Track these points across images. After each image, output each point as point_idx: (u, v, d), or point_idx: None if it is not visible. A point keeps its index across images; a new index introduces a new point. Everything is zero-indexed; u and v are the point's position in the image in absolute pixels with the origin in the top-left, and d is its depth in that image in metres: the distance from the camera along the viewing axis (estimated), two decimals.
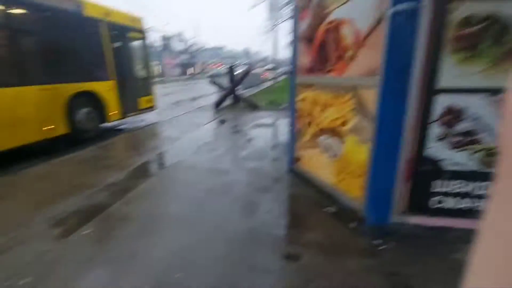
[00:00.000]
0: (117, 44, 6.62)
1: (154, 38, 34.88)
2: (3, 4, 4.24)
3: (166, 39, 43.47)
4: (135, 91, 7.26)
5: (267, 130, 6.36)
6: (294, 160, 3.57)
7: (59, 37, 5.20)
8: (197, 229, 2.44)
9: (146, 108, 7.81)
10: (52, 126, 4.97)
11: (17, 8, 4.49)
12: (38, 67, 4.85)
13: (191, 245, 2.21)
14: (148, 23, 7.68)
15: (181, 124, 7.15)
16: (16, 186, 3.45)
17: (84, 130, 5.72)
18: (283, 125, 6.41)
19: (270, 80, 22.05)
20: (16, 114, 4.37)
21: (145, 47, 7.70)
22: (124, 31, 6.85)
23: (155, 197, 3.12)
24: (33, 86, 4.62)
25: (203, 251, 2.15)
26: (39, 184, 3.52)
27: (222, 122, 7.41)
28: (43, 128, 4.81)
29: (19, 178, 3.71)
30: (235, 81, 9.89)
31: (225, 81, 10.79)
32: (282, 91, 13.03)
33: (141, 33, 7.44)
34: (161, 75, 39.97)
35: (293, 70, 3.34)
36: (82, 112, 5.66)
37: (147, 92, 7.82)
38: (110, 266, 1.99)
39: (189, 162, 4.21)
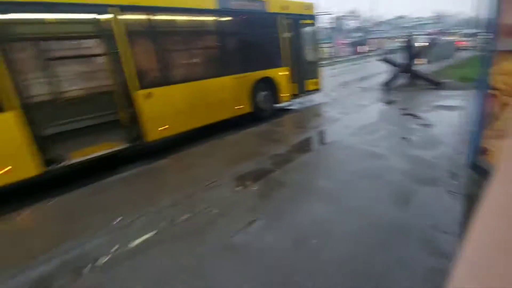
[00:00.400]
0: (291, 33, 7.36)
1: (325, 19, 35.10)
2: (216, 15, 5.79)
3: (338, 19, 42.61)
4: (303, 75, 7.90)
5: (448, 113, 5.14)
6: (478, 151, 2.77)
7: (249, 34, 6.48)
8: (340, 205, 2.53)
9: (313, 90, 8.32)
10: (241, 106, 6.43)
11: (223, 16, 5.99)
12: (234, 61, 6.33)
13: (332, 219, 2.34)
14: (319, 4, 7.97)
15: (345, 105, 7.10)
16: (218, 148, 4.85)
17: (262, 110, 6.97)
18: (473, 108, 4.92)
19: (468, 49, 16.90)
20: (220, 97, 6.01)
21: (314, 32, 8.10)
22: (297, 20, 7.48)
23: (309, 170, 3.44)
24: (230, 76, 6.13)
25: (342, 226, 2.22)
26: (230, 148, 4.76)
27: (390, 103, 6.67)
28: (236, 107, 6.33)
29: (220, 142, 5.16)
30: (412, 56, 8.41)
31: (400, 57, 9.42)
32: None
33: (311, 19, 7.87)
34: (332, 56, 40.15)
35: (493, 31, 2.50)
36: (262, 95, 6.89)
37: (314, 75, 8.27)
38: (264, 218, 2.49)
39: (346, 143, 4.22)
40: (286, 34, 7.11)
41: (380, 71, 14.43)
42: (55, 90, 4.39)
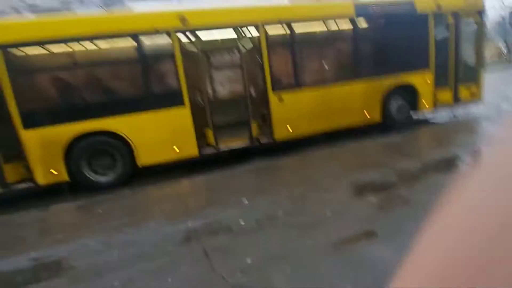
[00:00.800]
0: (441, 32, 6.31)
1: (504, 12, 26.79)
2: (353, 21, 5.72)
3: None
4: (457, 80, 6.58)
5: None
6: None
7: (389, 38, 5.97)
8: None
9: (468, 99, 6.79)
10: (370, 114, 6.07)
11: (361, 22, 5.84)
12: (367, 66, 6.03)
13: None
14: None
15: None
16: (339, 154, 4.85)
17: (395, 119, 6.29)
18: None
19: None
20: (348, 104, 5.85)
21: (479, 29, 6.58)
22: (457, 16, 6.31)
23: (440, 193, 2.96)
24: (361, 82, 5.90)
25: None
26: (352, 156, 4.67)
27: None
28: (364, 116, 6.04)
29: (342, 148, 5.13)
30: None
31: None
32: None
33: (477, 13, 6.43)
34: (509, 58, 30.60)
35: None
36: (396, 102, 6.23)
37: (473, 81, 6.73)
38: (378, 231, 2.37)
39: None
40: (437, 33, 6.17)
41: None
42: (213, 92, 5.60)
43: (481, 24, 6.57)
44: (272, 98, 5.29)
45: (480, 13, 6.47)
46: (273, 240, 2.42)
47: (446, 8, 6.20)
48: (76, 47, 4.38)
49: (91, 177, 4.57)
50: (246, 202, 3.27)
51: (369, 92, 5.97)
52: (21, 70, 4.24)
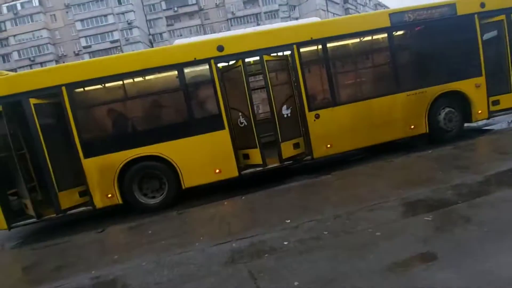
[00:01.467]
0: (490, 34, 5.87)
1: None
2: (388, 31, 5.57)
3: None
4: (505, 83, 5.95)
5: None
6: None
7: (428, 45, 5.69)
8: None
9: None
10: (413, 126, 5.66)
11: (397, 31, 5.64)
12: (408, 76, 5.75)
13: None
14: None
15: None
16: (384, 169, 4.59)
17: (444, 130, 5.82)
18: None
19: None
20: (387, 116, 5.56)
21: None
22: (505, 15, 5.75)
23: (511, 210, 2.62)
24: (402, 93, 5.60)
25: None
26: (398, 171, 4.39)
27: None
28: (407, 128, 5.67)
29: (386, 164, 4.85)
30: None
31: None
32: None
33: None
34: None
35: None
36: (443, 112, 5.78)
37: None
38: (438, 253, 2.15)
39: None
40: (485, 36, 5.75)
41: None
42: (251, 113, 5.65)
43: None
44: (309, 117, 5.29)
45: None
46: (320, 262, 2.32)
47: (491, 7, 5.73)
48: (126, 81, 4.86)
49: (141, 200, 4.90)
50: (289, 221, 3.21)
51: (411, 103, 5.65)
52: (81, 105, 4.78)
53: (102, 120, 5.07)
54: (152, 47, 45.22)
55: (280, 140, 5.15)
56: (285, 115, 5.34)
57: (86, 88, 4.81)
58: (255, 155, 5.16)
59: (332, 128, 5.38)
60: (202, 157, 4.97)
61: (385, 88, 5.74)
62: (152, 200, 4.98)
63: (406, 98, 5.63)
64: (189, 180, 4.94)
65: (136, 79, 4.99)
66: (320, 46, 5.38)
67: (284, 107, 5.34)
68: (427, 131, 5.73)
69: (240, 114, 5.21)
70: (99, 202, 4.74)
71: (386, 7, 72.79)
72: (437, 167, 4.20)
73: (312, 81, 5.48)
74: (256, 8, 47.02)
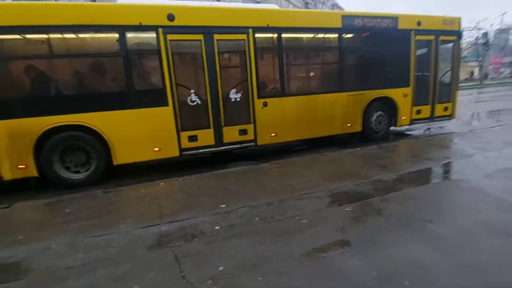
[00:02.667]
0: (422, 50, 6.63)
1: (478, 34, 28.59)
2: (338, 32, 5.84)
3: (502, 31, 34.21)
4: (433, 97, 6.92)
5: None
6: None
7: (371, 52, 6.25)
8: (452, 256, 2.15)
9: (442, 116, 7.18)
10: (350, 124, 6.25)
11: (346, 33, 5.98)
12: (351, 78, 6.22)
13: (437, 268, 2.03)
14: (468, 18, 6.82)
15: (486, 138, 5.76)
16: (318, 162, 4.91)
17: (374, 131, 6.54)
18: None
19: None
20: (330, 113, 6.00)
21: (454, 49, 6.99)
22: (437, 36, 6.65)
23: (417, 206, 3.05)
24: (344, 92, 6.06)
25: (449, 279, 1.91)
26: (330, 165, 4.74)
27: None
28: (345, 125, 6.21)
29: (321, 157, 5.19)
30: None
31: None
32: None
33: (454, 35, 6.84)
34: (482, 77, 32.60)
35: None
36: (376, 115, 6.47)
37: (447, 99, 7.11)
38: (352, 241, 2.40)
39: (475, 185, 3.49)
40: (417, 51, 6.49)
41: None
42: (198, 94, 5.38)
43: (457, 45, 6.95)
44: (257, 104, 5.29)
45: (456, 34, 6.87)
46: (247, 247, 2.38)
47: (426, 26, 6.49)
48: (53, 35, 4.16)
49: (62, 174, 4.35)
50: (224, 206, 3.21)
51: (351, 103, 6.13)
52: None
53: (19, 77, 4.24)
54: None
55: (222, 124, 5.07)
56: (233, 99, 5.24)
57: (2, 36, 3.98)
58: (206, 136, 5.03)
59: (278, 117, 5.52)
60: (139, 132, 4.62)
61: (329, 86, 6.10)
62: (76, 175, 4.46)
63: (347, 98, 6.07)
64: (122, 156, 4.57)
65: (67, 36, 4.30)
66: (275, 35, 5.37)
67: (234, 90, 5.23)
68: (361, 130, 6.29)
69: (192, 91, 4.94)
70: (7, 173, 4.08)
71: (341, 8, 76.74)
72: (362, 164, 4.65)
73: (264, 69, 5.46)
74: None
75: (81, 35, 4.37)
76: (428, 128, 7.96)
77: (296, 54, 6.06)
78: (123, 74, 4.52)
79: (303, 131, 5.86)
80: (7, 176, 4.08)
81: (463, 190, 3.39)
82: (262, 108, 5.36)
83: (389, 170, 4.18)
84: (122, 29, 4.39)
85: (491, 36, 32.55)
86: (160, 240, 2.56)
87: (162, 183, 4.17)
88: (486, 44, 26.11)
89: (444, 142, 5.95)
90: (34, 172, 4.17)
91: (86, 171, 4.50)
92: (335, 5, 73.63)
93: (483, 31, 27.31)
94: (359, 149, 5.59)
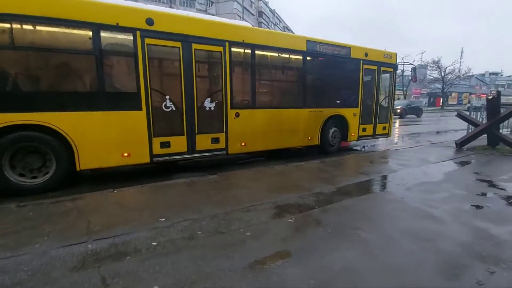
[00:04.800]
0: (367, 78, 7.68)
1: (405, 67, 33.64)
2: (303, 55, 6.39)
3: (422, 66, 40.45)
4: (375, 118, 8.01)
5: None
6: None
7: (329, 74, 7.04)
8: (377, 259, 2.35)
9: (381, 134, 8.35)
10: (310, 138, 6.83)
11: (309, 56, 6.56)
12: (312, 96, 6.83)
13: (364, 271, 2.19)
14: (401, 53, 8.02)
15: (407, 157, 6.60)
16: (265, 175, 4.99)
17: (330, 144, 7.31)
18: None
19: None
20: (295, 126, 6.51)
21: (391, 79, 8.21)
22: (379, 66, 7.81)
23: (349, 215, 3.28)
24: (306, 108, 6.63)
25: (373, 280, 2.06)
26: (276, 178, 4.85)
27: (461, 164, 5.97)
28: (306, 138, 6.77)
29: (268, 170, 5.30)
30: (497, 116, 7.45)
31: (483, 115, 8.52)
32: None
33: (391, 67, 8.13)
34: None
35: None
36: (331, 130, 7.24)
37: (385, 120, 8.30)
38: (293, 253, 2.45)
39: (397, 196, 3.93)
40: (364, 78, 7.51)
41: (457, 127, 13.18)
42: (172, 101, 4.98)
43: (393, 75, 8.27)
44: (230, 114, 5.46)
45: (393, 66, 8.21)
46: (186, 263, 2.24)
47: (371, 58, 7.55)
48: (16, 25, 3.70)
49: (12, 179, 3.83)
50: (163, 220, 3.01)
51: (312, 118, 6.76)
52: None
53: None
54: None
55: (196, 132, 5.06)
56: (208, 108, 5.25)
57: None
58: (179, 143, 4.91)
59: (249, 128, 5.75)
60: (108, 136, 4.32)
61: (294, 102, 6.61)
62: (29, 180, 3.92)
63: (308, 114, 6.67)
64: (87, 161, 4.17)
65: (33, 27, 3.81)
66: (249, 51, 5.66)
67: (208, 99, 5.25)
68: (319, 143, 6.96)
69: (167, 97, 4.79)
70: None
71: (292, 31, 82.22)
72: (307, 177, 4.89)
73: (237, 81, 5.67)
74: None
75: (50, 28, 3.89)
76: (363, 146, 8.85)
77: (267, 70, 6.41)
78: (95, 74, 4.15)
79: (270, 142, 6.18)
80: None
81: (389, 201, 3.78)
82: (235, 118, 5.53)
83: (329, 183, 4.46)
84: (97, 27, 4.07)
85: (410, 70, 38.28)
86: (84, 260, 2.26)
87: (92, 196, 3.74)
88: (414, 77, 30.74)
89: (375, 159, 6.63)
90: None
91: (44, 176, 4.01)
92: (286, 28, 78.62)
93: (408, 65, 32.10)
94: (303, 163, 5.88)
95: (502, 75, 68.06)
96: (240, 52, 5.61)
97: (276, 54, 6.23)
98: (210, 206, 3.44)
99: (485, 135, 7.74)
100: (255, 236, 2.71)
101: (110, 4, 4.28)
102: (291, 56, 6.43)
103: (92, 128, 4.16)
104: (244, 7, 52.81)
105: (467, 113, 9.12)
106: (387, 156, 6.85)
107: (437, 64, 39.75)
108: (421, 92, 49.47)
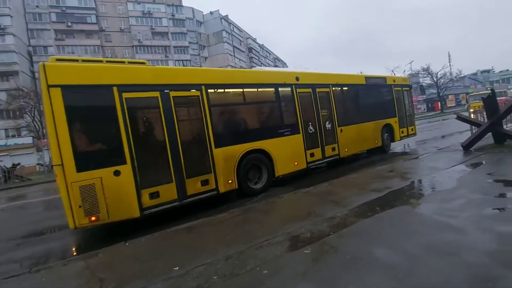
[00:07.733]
0: (397, 95, 10.78)
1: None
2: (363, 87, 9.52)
3: (412, 75, 41.28)
4: (406, 122, 11.08)
5: None
6: None
7: (379, 97, 10.24)
8: (405, 282, 2.23)
9: (412, 134, 11.42)
10: (376, 141, 9.52)
11: (368, 86, 9.73)
12: (372, 112, 9.63)
13: None
14: (390, 66, 8.89)
15: (417, 167, 6.49)
16: (275, 206, 4.91)
17: (386, 145, 10.00)
18: None
19: None
20: (366, 135, 9.11)
21: (409, 96, 11.68)
22: (401, 87, 11.06)
23: (366, 237, 3.17)
24: (371, 122, 9.39)
25: None
26: (287, 207, 4.75)
27: (473, 166, 5.85)
28: (375, 141, 9.49)
29: (278, 200, 5.22)
30: (498, 112, 7.42)
31: (481, 114, 8.49)
32: None
33: (408, 86, 11.58)
34: None
35: None
36: (385, 135, 10.02)
37: (411, 123, 11.45)
38: (316, 286, 2.34)
39: (415, 209, 3.81)
40: (395, 96, 10.63)
41: (461, 129, 13.04)
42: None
43: (410, 92, 11.84)
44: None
45: (409, 86, 12.01)
46: None
47: (397, 82, 11.06)
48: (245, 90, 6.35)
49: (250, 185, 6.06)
50: (177, 268, 2.93)
51: (374, 128, 9.65)
52: (214, 106, 5.66)
53: (228, 119, 6.19)
54: (31, 60, 37.96)
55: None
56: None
57: (217, 91, 5.99)
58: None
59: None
60: (287, 153, 6.82)
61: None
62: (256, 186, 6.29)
63: (372, 125, 9.49)
64: (279, 170, 6.65)
65: (257, 90, 6.88)
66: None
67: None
68: (380, 145, 9.73)
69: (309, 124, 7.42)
70: (222, 187, 5.61)
71: (284, 62, 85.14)
72: (317, 202, 4.79)
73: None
74: (165, 41, 46.82)
75: (260, 89, 6.83)
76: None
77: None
78: (279, 113, 6.99)
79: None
80: (223, 188, 5.57)
81: (402, 214, 3.67)
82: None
83: (341, 206, 4.36)
84: (276, 86, 6.97)
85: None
86: None
87: (102, 253, 3.68)
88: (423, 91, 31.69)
89: (383, 173, 6.50)
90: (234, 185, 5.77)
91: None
92: (276, 59, 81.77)
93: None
94: (312, 188, 5.78)
95: (493, 71, 68.83)
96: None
97: (351, 88, 9.14)
98: (223, 246, 3.36)
99: (490, 134, 7.65)
100: (272, 274, 2.61)
101: (285, 72, 7.99)
102: (359, 88, 9.41)
103: (280, 148, 6.58)
104: (234, 46, 55.67)
105: (467, 113, 9.13)
106: (393, 169, 6.73)
107: (427, 71, 40.56)
108: (418, 99, 49.86)
